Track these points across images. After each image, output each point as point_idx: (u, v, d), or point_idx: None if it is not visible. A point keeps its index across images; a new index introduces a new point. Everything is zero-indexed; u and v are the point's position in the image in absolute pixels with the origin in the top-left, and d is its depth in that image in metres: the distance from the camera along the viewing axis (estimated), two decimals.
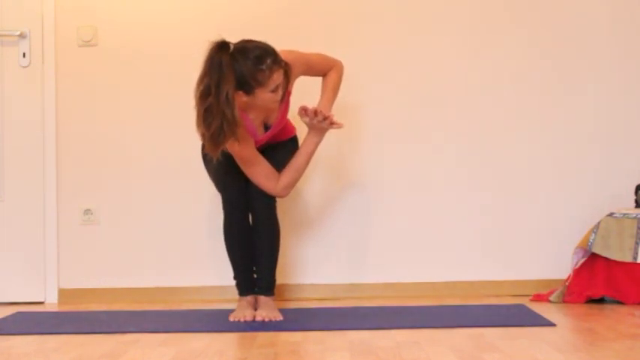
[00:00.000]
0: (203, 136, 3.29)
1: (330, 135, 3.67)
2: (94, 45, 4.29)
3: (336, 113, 3.57)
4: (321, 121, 3.45)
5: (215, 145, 3.28)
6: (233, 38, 3.32)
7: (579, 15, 4.28)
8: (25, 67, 4.28)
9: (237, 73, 3.25)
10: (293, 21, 4.27)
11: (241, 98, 3.31)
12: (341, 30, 4.28)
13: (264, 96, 3.33)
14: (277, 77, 3.30)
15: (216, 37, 3.27)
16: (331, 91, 3.58)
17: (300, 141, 3.62)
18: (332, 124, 3.47)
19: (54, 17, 4.26)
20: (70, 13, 4.28)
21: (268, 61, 3.27)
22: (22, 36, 4.25)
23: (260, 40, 3.33)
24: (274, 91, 3.32)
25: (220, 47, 3.26)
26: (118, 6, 4.30)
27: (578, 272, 3.94)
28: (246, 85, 3.28)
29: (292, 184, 3.56)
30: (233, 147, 3.36)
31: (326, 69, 3.62)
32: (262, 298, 3.60)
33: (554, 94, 4.27)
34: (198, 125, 3.27)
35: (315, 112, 3.43)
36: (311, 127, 3.50)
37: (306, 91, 3.65)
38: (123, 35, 4.29)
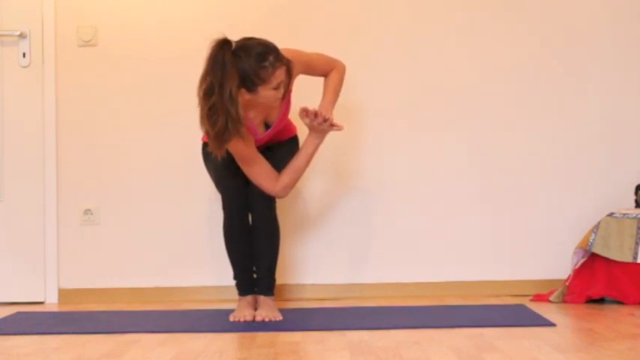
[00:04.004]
0: (207, 134, 3.29)
1: (331, 135, 3.66)
2: (94, 45, 4.29)
3: (337, 113, 3.57)
4: (321, 123, 3.45)
5: (220, 143, 3.29)
6: (234, 38, 3.32)
7: (582, 15, 4.27)
8: (25, 67, 4.27)
9: (240, 71, 3.25)
10: (294, 21, 4.27)
11: (244, 96, 3.32)
12: (342, 30, 4.27)
13: (267, 93, 3.33)
14: (279, 74, 3.30)
15: (217, 34, 3.28)
16: (332, 92, 3.57)
17: (301, 142, 3.62)
18: (332, 126, 3.47)
19: (54, 17, 4.26)
20: (70, 13, 4.28)
21: (271, 58, 3.27)
22: (22, 36, 4.25)
23: (261, 38, 3.33)
24: (276, 88, 3.33)
25: (222, 45, 3.26)
26: (118, 6, 4.30)
27: (578, 272, 3.94)
28: (249, 83, 3.28)
29: (291, 184, 3.56)
30: (237, 145, 3.37)
31: (327, 69, 3.61)
32: (262, 298, 3.61)
33: (555, 95, 4.27)
34: (202, 123, 3.28)
35: (316, 114, 3.43)
36: (311, 129, 3.50)
37: (307, 92, 3.65)
38: (123, 35, 4.29)
